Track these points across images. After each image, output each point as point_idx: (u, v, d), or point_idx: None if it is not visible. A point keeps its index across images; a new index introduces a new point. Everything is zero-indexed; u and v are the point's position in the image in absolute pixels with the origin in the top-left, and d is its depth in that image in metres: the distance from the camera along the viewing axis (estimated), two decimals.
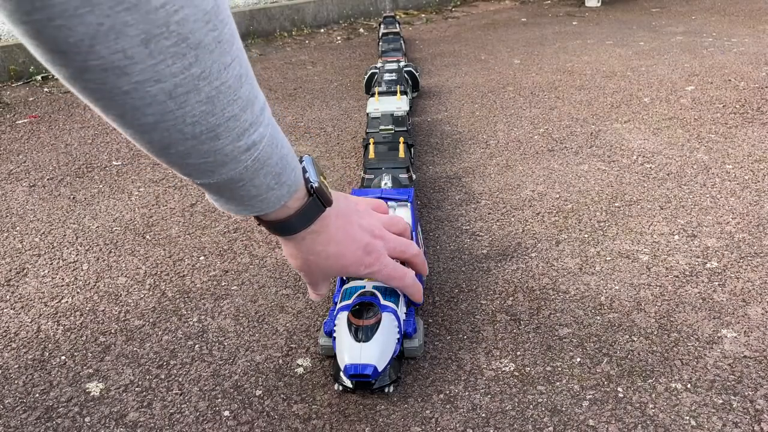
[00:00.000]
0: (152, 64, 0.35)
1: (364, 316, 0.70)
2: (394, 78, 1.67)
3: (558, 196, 1.25)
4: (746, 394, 0.75)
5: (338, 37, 2.89)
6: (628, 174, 1.33)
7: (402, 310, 0.76)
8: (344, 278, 0.84)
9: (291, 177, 0.51)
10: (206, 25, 0.36)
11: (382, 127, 1.29)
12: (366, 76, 1.81)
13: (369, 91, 1.79)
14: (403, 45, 2.27)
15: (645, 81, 1.94)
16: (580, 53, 2.33)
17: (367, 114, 1.41)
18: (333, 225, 0.59)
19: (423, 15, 3.33)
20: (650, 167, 1.35)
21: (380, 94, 1.51)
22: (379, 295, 0.73)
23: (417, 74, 1.79)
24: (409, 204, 0.95)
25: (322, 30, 3.03)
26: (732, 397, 0.74)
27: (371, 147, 1.17)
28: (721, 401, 0.74)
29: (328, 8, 3.10)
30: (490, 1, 3.63)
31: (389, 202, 0.98)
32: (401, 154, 1.15)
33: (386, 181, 1.04)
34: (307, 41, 2.82)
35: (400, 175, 1.09)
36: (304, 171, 0.55)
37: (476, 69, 2.20)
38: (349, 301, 0.73)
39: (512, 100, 1.84)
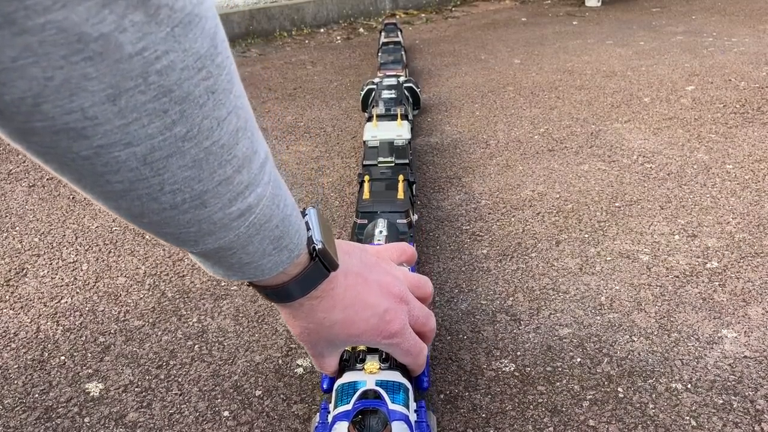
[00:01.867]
0: (122, 125, 0.28)
1: (369, 428, 0.55)
2: (393, 96, 1.52)
3: (558, 196, 1.25)
4: (747, 394, 0.74)
5: (338, 37, 2.89)
6: (628, 174, 1.33)
7: (412, 407, 0.60)
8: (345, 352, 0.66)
9: (293, 240, 0.42)
10: (198, 74, 0.29)
11: (380, 159, 1.15)
12: (363, 93, 1.62)
13: (366, 108, 1.66)
14: (404, 56, 2.09)
15: (645, 81, 1.94)
16: (581, 53, 2.32)
17: (364, 142, 1.26)
18: (341, 286, 0.48)
19: (423, 15, 3.32)
20: (650, 167, 1.35)
21: (379, 117, 1.37)
22: (386, 397, 0.57)
23: (418, 90, 1.66)
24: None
25: (322, 30, 3.03)
26: (732, 398, 0.74)
27: (366, 185, 1.03)
28: (721, 401, 0.74)
29: (328, 8, 3.10)
30: (490, 0, 3.63)
31: None
32: (400, 194, 1.01)
33: (381, 229, 0.91)
34: (306, 41, 2.82)
35: (398, 221, 0.96)
36: (307, 227, 0.45)
37: (476, 69, 2.19)
38: (348, 407, 0.56)
39: (512, 100, 1.83)
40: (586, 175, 1.34)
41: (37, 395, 0.80)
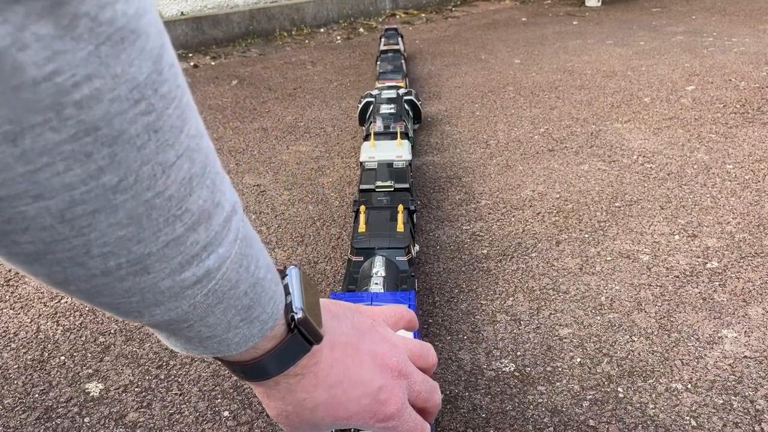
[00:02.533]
0: (27, 172, 0.21)
1: None
2: (392, 111, 1.41)
3: (558, 196, 1.25)
4: (747, 394, 0.74)
5: (338, 37, 2.89)
6: (628, 174, 1.33)
7: None
8: None
9: (267, 310, 0.34)
10: (134, 107, 0.23)
11: (378, 183, 1.06)
12: (360, 106, 1.52)
13: (363, 122, 1.53)
14: (404, 65, 1.92)
15: (645, 81, 1.94)
16: (581, 53, 2.32)
17: (361, 164, 1.17)
18: (326, 360, 0.39)
19: (423, 14, 3.32)
20: (651, 167, 1.35)
21: (377, 136, 1.28)
22: None
23: (419, 103, 1.56)
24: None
25: (321, 30, 3.03)
26: (732, 398, 0.74)
27: (362, 216, 0.94)
28: (721, 401, 0.74)
29: (328, 8, 3.10)
30: (490, 0, 3.63)
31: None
32: (400, 227, 0.92)
33: (378, 269, 0.83)
34: (306, 41, 2.82)
35: (397, 258, 0.86)
36: (286, 291, 0.37)
37: (476, 69, 2.19)
38: None
39: (512, 100, 1.83)
40: (586, 175, 1.34)
41: (37, 395, 0.80)
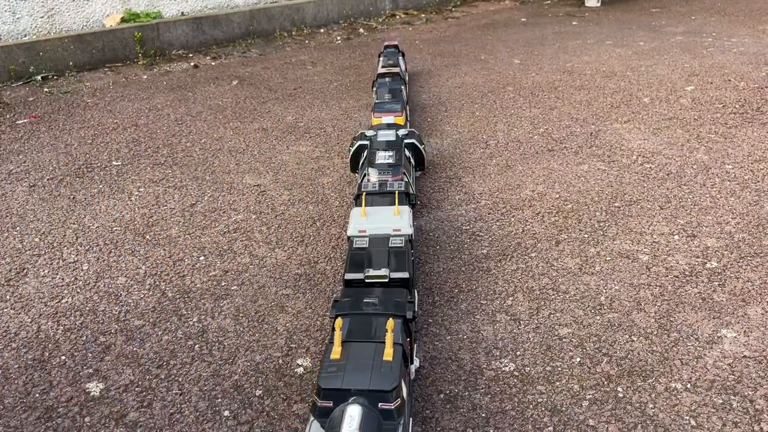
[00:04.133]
0: None
1: None
2: (390, 161, 1.13)
3: (558, 196, 1.26)
4: (746, 393, 0.75)
5: (338, 37, 2.89)
6: (627, 174, 1.33)
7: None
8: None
9: None
10: None
11: (369, 272, 0.82)
12: (352, 150, 1.25)
13: (356, 168, 1.33)
14: (405, 92, 1.69)
15: (645, 81, 1.94)
16: (580, 53, 2.33)
17: (348, 238, 0.91)
18: None
19: (423, 15, 3.33)
20: (650, 167, 1.35)
21: (370, 196, 1.01)
22: None
23: (422, 147, 1.27)
24: None
25: (322, 30, 3.03)
26: (732, 397, 0.74)
27: (337, 334, 0.67)
28: (720, 401, 0.74)
29: (328, 8, 3.10)
30: (490, 1, 3.63)
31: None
32: (388, 354, 0.65)
33: (352, 425, 0.57)
34: (307, 41, 2.82)
35: (381, 405, 0.61)
36: None
37: (476, 69, 2.20)
38: None
39: (512, 100, 1.84)
40: (585, 175, 1.34)
41: (37, 395, 0.80)
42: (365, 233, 0.91)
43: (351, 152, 1.27)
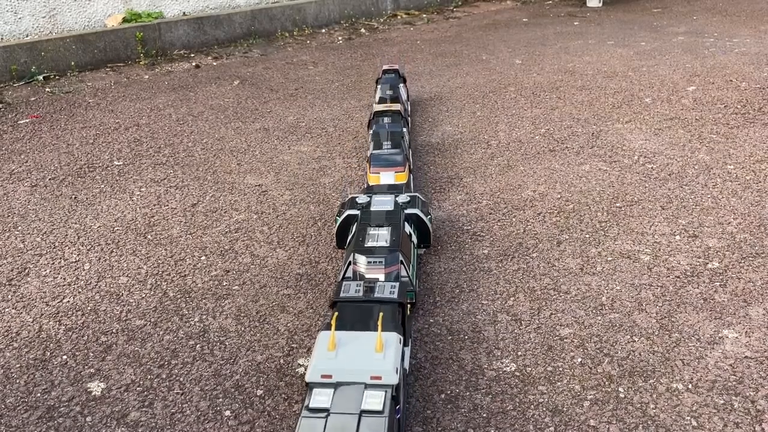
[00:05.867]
0: None
1: None
2: (385, 243, 0.87)
3: (559, 196, 1.25)
4: (747, 394, 0.75)
5: (339, 38, 2.89)
6: (629, 174, 1.33)
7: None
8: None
9: None
10: None
11: None
12: (339, 220, 0.98)
13: (343, 244, 1.00)
14: (407, 141, 1.29)
15: (646, 81, 1.94)
16: (582, 53, 2.33)
17: (307, 384, 0.65)
18: None
19: (424, 15, 3.33)
20: (651, 167, 1.35)
21: (347, 306, 0.75)
22: None
23: (427, 219, 0.99)
24: None
25: (323, 30, 3.03)
26: (733, 398, 0.74)
27: None
28: (722, 402, 0.74)
29: (330, 8, 3.11)
30: (492, 1, 3.63)
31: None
32: None
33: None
34: (308, 41, 2.82)
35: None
36: None
37: (477, 69, 2.20)
38: None
39: (513, 101, 1.84)
40: (587, 175, 1.34)
41: (39, 394, 0.80)
42: (331, 379, 0.63)
43: (337, 223, 0.99)
